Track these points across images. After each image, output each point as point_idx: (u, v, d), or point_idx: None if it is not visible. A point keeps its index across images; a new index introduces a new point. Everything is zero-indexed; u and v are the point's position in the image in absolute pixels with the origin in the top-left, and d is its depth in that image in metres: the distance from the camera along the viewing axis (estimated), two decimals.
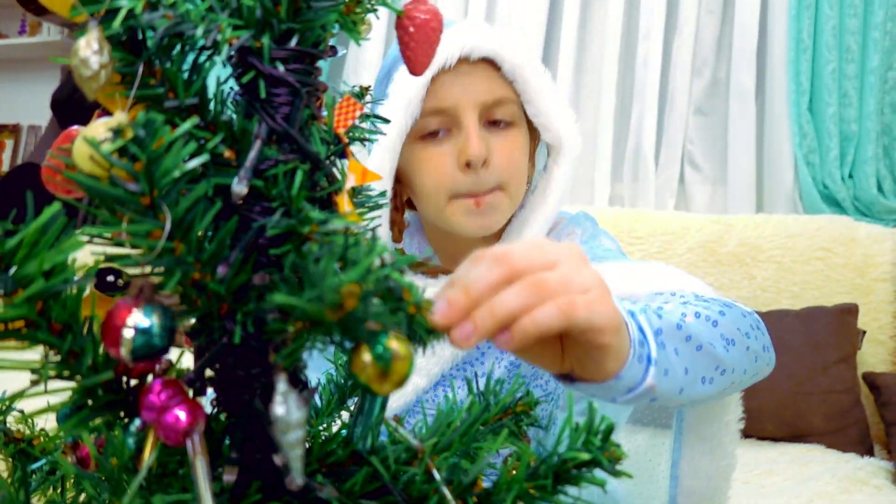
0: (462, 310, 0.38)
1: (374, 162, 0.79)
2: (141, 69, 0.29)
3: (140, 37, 0.29)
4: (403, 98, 0.77)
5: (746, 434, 1.57)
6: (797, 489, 1.23)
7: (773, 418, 1.53)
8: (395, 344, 0.25)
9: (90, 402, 0.32)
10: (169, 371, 0.35)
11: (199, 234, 0.30)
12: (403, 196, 0.87)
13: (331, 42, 0.37)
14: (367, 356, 0.25)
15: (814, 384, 1.52)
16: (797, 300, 1.70)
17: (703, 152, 2.16)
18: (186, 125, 0.26)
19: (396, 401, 0.80)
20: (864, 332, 1.63)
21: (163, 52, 0.29)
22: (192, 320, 0.34)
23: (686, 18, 2.13)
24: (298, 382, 0.36)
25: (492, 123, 0.80)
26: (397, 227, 0.86)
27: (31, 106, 3.29)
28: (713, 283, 1.79)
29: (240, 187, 0.30)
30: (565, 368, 0.48)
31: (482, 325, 0.38)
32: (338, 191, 0.35)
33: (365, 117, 0.42)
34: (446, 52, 0.76)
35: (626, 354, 0.47)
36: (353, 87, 0.43)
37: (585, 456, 0.34)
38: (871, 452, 1.48)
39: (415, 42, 0.40)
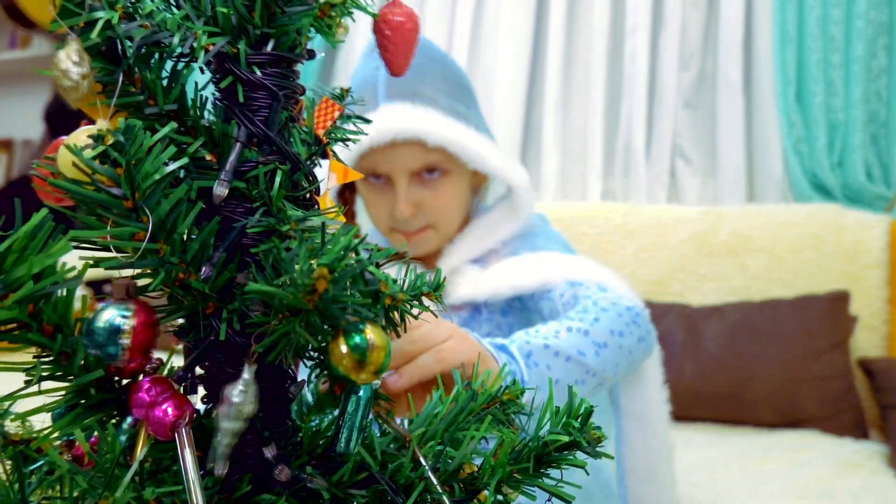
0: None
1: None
2: (121, 78, 0.30)
3: (119, 46, 0.30)
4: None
5: (742, 422, 1.58)
6: (793, 475, 1.24)
7: (768, 406, 1.55)
8: (371, 333, 0.26)
9: (83, 401, 0.34)
10: (159, 370, 0.36)
11: (184, 235, 0.31)
12: (353, 203, 1.01)
13: (309, 46, 0.39)
14: (343, 346, 0.26)
15: (808, 371, 1.54)
16: (789, 288, 1.71)
17: (692, 145, 2.17)
18: (165, 130, 0.27)
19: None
20: (857, 319, 1.64)
21: (141, 60, 0.30)
22: (181, 320, 0.36)
23: (672, 13, 2.15)
24: (286, 376, 0.37)
25: (428, 171, 0.89)
26: None
27: (24, 120, 3.29)
28: (706, 273, 1.80)
29: (220, 189, 0.31)
30: None
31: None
32: (318, 190, 0.36)
33: (345, 118, 0.43)
34: (376, 132, 0.85)
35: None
36: (334, 88, 0.44)
37: (565, 438, 0.35)
38: (866, 436, 1.49)
39: (393, 45, 0.41)
